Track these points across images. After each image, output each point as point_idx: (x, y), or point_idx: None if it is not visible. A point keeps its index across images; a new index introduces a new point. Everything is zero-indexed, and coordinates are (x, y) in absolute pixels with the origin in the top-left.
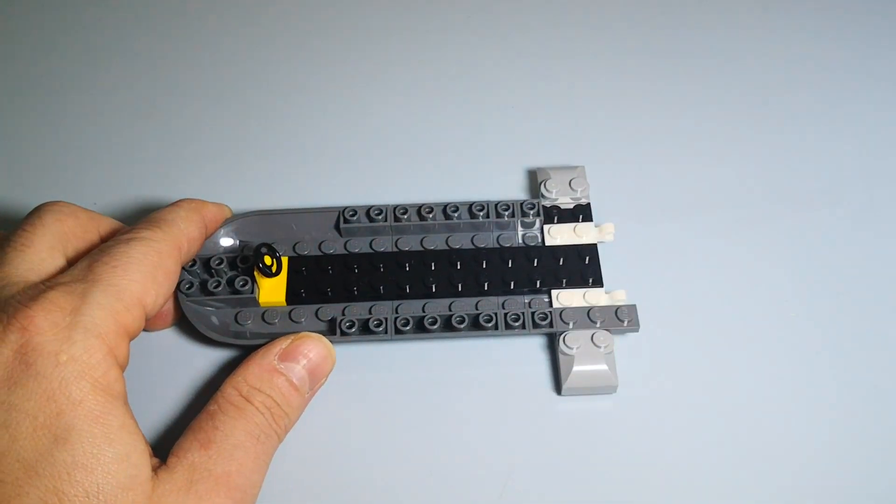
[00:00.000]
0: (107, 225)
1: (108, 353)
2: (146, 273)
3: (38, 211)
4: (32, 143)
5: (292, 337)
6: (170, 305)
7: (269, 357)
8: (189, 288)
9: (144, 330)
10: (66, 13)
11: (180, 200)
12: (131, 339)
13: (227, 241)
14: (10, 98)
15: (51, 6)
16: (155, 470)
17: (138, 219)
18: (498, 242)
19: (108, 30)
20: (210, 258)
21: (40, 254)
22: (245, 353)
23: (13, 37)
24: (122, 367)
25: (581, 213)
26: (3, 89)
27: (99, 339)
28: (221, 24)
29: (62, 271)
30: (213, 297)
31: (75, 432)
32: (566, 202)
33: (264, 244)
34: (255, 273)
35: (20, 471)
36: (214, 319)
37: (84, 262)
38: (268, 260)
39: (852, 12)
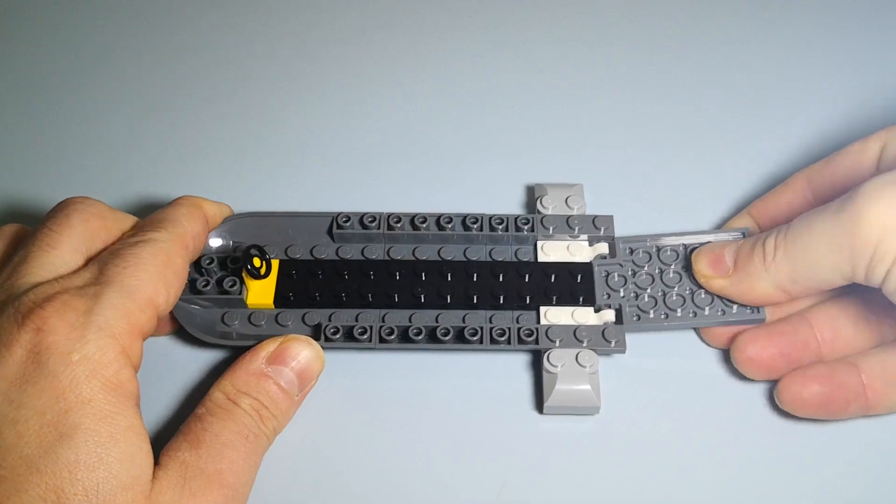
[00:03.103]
0: (131, 225)
1: (121, 353)
2: (156, 273)
3: (64, 209)
4: (35, 140)
5: (280, 340)
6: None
7: (256, 361)
8: None
9: None
10: (69, 11)
11: (180, 198)
12: (144, 338)
13: (217, 242)
14: (15, 95)
15: (53, 4)
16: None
17: (139, 215)
18: (490, 256)
19: (110, 28)
20: (201, 257)
21: (64, 255)
22: (231, 353)
23: (16, 34)
24: (136, 367)
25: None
26: (8, 87)
27: (112, 338)
28: (222, 27)
29: (76, 271)
30: (201, 295)
31: (81, 430)
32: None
33: (254, 246)
34: (244, 274)
35: (23, 467)
36: (200, 319)
37: (95, 265)
38: (256, 262)
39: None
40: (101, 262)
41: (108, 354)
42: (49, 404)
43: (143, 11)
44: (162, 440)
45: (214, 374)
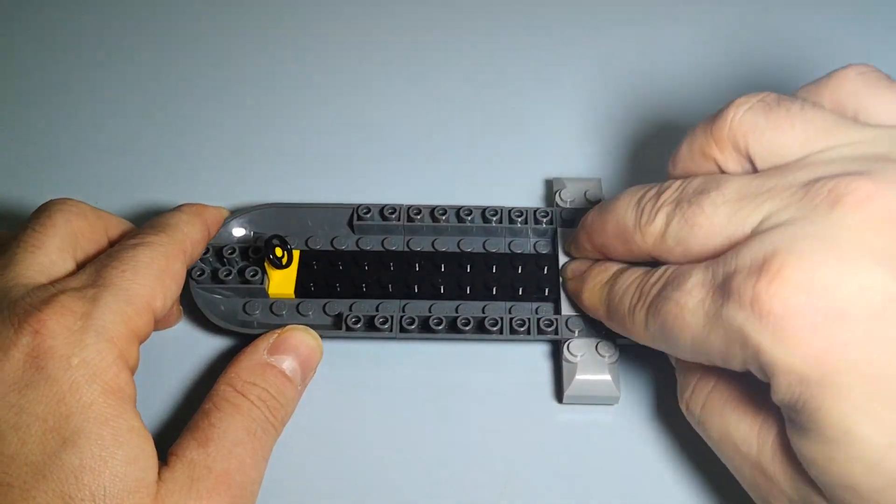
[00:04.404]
0: (115, 224)
1: (118, 357)
2: (154, 277)
3: (47, 210)
4: (36, 143)
5: (279, 331)
6: (174, 306)
7: (258, 352)
8: (200, 275)
9: None
10: (69, 13)
11: (181, 205)
12: (141, 342)
13: (240, 232)
14: (14, 97)
15: (54, 6)
16: (158, 471)
17: (147, 218)
18: (509, 248)
19: (118, 26)
20: (223, 247)
21: (50, 255)
22: (246, 342)
23: (16, 37)
24: (133, 371)
25: None
26: (8, 89)
27: (110, 342)
28: (238, 20)
29: (71, 273)
30: (223, 285)
31: (84, 435)
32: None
33: (276, 236)
34: (266, 264)
35: (28, 474)
36: (223, 307)
37: (92, 267)
38: (278, 251)
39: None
40: (99, 265)
41: (107, 359)
42: (50, 409)
43: (140, 10)
44: (176, 424)
45: (229, 360)
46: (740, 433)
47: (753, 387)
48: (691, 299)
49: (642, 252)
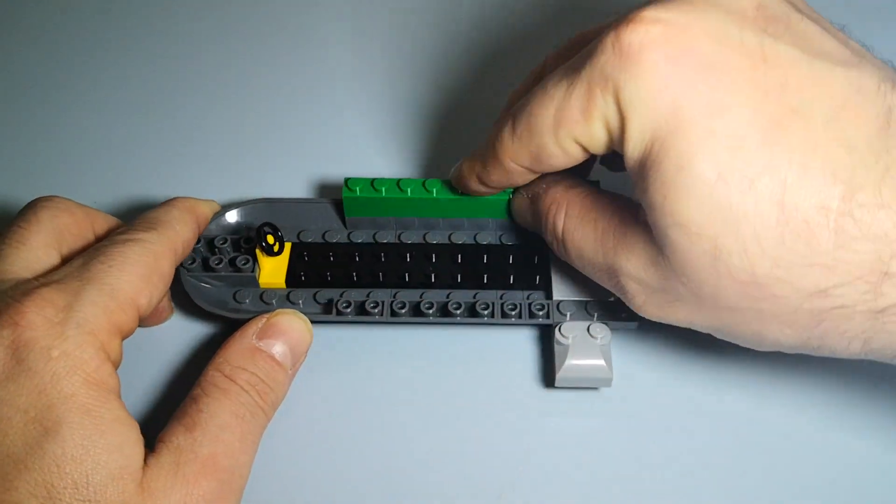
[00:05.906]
0: (102, 221)
1: (100, 349)
2: (141, 274)
3: (33, 206)
4: (26, 141)
5: (267, 315)
6: (164, 303)
7: (247, 337)
8: (191, 263)
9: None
10: (63, 11)
11: (174, 200)
12: (124, 338)
13: (232, 222)
14: (8, 96)
15: (48, 4)
16: (144, 458)
17: (137, 213)
18: (500, 241)
19: (109, 24)
20: (214, 238)
21: (35, 251)
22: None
23: (11, 34)
24: (115, 365)
25: None
26: (1, 87)
27: (91, 335)
28: (222, 18)
29: (56, 268)
30: (213, 273)
31: (66, 424)
32: None
33: (267, 223)
34: (257, 252)
35: (10, 465)
36: (213, 296)
37: (79, 261)
38: (270, 239)
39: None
40: (87, 258)
41: (88, 351)
42: (31, 401)
43: (133, 7)
44: (165, 411)
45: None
46: (588, 247)
47: (597, 203)
48: (551, 81)
49: (506, 160)
